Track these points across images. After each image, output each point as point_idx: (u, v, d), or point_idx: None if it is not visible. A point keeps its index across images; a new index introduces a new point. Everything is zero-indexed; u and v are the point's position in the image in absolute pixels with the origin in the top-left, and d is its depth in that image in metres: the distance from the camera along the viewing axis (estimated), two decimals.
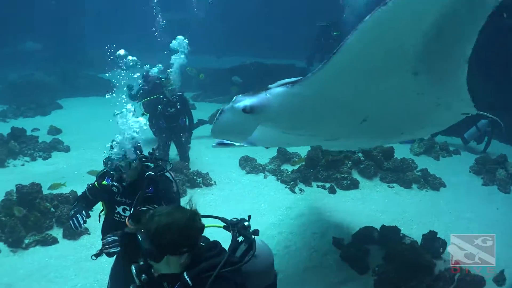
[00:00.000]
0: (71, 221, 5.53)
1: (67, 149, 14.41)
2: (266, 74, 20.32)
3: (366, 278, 7.56)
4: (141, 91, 13.89)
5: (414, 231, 8.67)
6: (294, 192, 11.09)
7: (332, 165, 11.69)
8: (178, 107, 12.25)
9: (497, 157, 12.81)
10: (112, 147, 5.36)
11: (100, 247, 5.59)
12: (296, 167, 12.23)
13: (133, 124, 5.49)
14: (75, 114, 19.52)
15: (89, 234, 8.95)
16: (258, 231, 3.74)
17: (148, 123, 13.26)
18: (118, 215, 5.56)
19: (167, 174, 5.75)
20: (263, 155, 13.01)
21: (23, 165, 13.10)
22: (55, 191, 10.10)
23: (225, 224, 3.75)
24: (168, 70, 13.78)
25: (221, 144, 6.19)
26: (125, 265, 4.32)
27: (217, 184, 11.66)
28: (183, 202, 9.60)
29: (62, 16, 31.05)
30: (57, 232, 9.02)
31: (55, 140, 14.68)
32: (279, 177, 11.88)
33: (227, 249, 3.47)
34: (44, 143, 14.22)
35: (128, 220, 3.94)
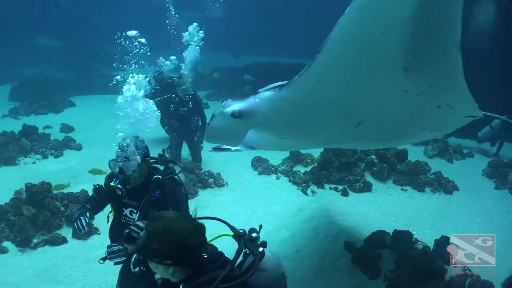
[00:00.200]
0: (75, 223, 5.49)
1: (79, 147, 14.41)
2: (283, 73, 20.34)
3: (377, 283, 7.45)
4: (153, 91, 13.82)
5: (426, 236, 8.56)
6: (306, 194, 10.98)
7: (345, 167, 11.59)
8: (191, 106, 12.17)
9: (509, 161, 12.78)
10: (118, 149, 5.28)
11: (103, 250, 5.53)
12: (308, 169, 12.13)
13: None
14: (88, 112, 19.54)
15: (99, 234, 8.88)
16: (266, 243, 3.67)
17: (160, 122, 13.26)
18: (125, 217, 5.47)
19: (176, 177, 5.66)
20: (276, 156, 12.92)
21: (34, 163, 13.09)
22: (65, 191, 10.01)
23: (233, 233, 3.71)
24: (182, 66, 13.69)
25: (217, 149, 6.11)
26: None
27: (229, 185, 11.58)
28: (194, 202, 9.66)
29: (79, 13, 31.15)
30: (66, 232, 8.96)
31: (67, 138, 14.69)
32: (292, 179, 11.78)
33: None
34: (56, 141, 14.23)
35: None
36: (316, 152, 12.46)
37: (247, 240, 3.62)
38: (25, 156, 13.25)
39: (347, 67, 4.33)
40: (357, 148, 10.95)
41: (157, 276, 3.42)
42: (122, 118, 5.32)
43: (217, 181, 11.54)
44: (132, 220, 5.34)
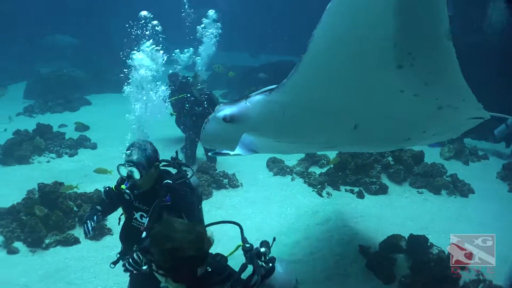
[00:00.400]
0: (83, 227, 5.43)
1: (93, 146, 14.42)
2: None
3: None
4: (170, 92, 13.77)
5: (442, 240, 8.36)
6: (321, 196, 10.87)
7: (361, 169, 11.46)
8: (206, 106, 12.09)
9: None
10: (127, 151, 5.21)
11: (120, 249, 5.56)
12: (324, 170, 12.02)
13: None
14: (104, 111, 19.54)
15: (112, 234, 8.84)
16: (275, 259, 3.60)
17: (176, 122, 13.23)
18: (135, 221, 5.40)
19: (188, 181, 5.57)
20: (291, 157, 12.85)
21: (48, 161, 13.10)
22: (75, 191, 9.94)
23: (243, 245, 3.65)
24: (197, 59, 13.65)
25: (217, 153, 6.06)
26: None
27: (243, 186, 11.49)
28: (208, 203, 9.61)
29: (97, 11, 31.19)
30: (79, 232, 8.89)
31: (82, 137, 14.70)
32: (307, 180, 11.68)
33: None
34: (71, 140, 14.23)
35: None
36: (332, 153, 12.32)
37: (253, 255, 3.53)
38: (39, 154, 13.26)
39: (334, 68, 4.23)
40: (360, 151, 10.87)
41: (162, 284, 3.37)
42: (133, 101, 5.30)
43: (231, 182, 11.46)
44: (142, 224, 5.25)
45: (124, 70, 5.49)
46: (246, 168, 12.29)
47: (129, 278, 5.60)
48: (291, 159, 12.73)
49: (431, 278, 7.04)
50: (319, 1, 4.01)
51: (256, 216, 9.83)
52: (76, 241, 8.71)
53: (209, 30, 13.84)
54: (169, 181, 5.21)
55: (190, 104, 12.16)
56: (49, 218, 8.86)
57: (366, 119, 4.99)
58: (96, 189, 10.04)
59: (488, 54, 15.54)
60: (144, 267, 3.48)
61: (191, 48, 14.82)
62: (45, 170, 12.47)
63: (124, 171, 5.14)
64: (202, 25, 13.81)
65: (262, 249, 3.56)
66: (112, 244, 8.48)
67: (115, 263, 5.40)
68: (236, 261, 3.85)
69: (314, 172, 12.00)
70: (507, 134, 14.43)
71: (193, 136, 12.43)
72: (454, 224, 9.31)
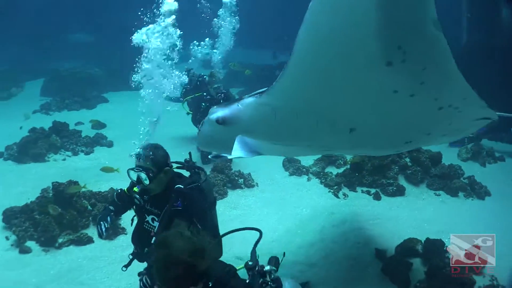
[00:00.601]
0: (96, 227, 5.40)
1: (110, 144, 14.40)
2: None
3: None
4: (184, 90, 13.70)
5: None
6: (337, 197, 10.77)
7: (378, 169, 11.33)
8: None
9: None
10: (136, 156, 5.14)
11: (131, 251, 5.59)
12: (341, 170, 11.92)
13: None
14: (121, 109, 19.49)
15: (126, 234, 8.82)
16: (279, 279, 3.52)
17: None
18: (147, 224, 5.35)
19: (201, 185, 5.48)
20: (308, 157, 12.66)
21: (64, 159, 13.11)
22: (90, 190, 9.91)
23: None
24: (215, 52, 13.59)
25: (216, 157, 6.02)
26: None
27: (259, 186, 11.41)
28: (223, 203, 9.55)
29: (114, 8, 31.18)
30: (93, 231, 8.84)
31: (98, 134, 14.66)
32: (323, 180, 11.59)
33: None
34: (87, 138, 14.21)
35: None
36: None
37: (256, 273, 3.46)
38: (55, 152, 13.27)
39: (321, 69, 4.15)
40: (363, 154, 10.79)
41: None
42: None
43: (247, 182, 11.39)
44: (153, 228, 5.21)
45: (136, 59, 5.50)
46: (262, 168, 12.18)
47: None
48: (308, 159, 12.59)
49: (446, 283, 6.95)
50: None
51: (271, 216, 9.77)
52: (89, 240, 8.70)
53: (226, 22, 13.79)
54: (180, 185, 5.14)
55: (207, 103, 12.10)
56: (62, 217, 8.85)
57: (362, 122, 4.91)
58: (111, 187, 10.03)
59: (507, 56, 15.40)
60: None
61: (207, 39, 14.75)
62: (60, 168, 12.48)
63: (134, 176, 5.08)
64: (218, 18, 13.76)
65: (267, 267, 3.47)
66: (126, 243, 8.41)
67: (127, 266, 5.38)
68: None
69: (331, 173, 11.92)
70: None
71: None
72: (470, 228, 9.14)
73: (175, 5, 5.89)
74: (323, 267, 7.86)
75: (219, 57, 13.73)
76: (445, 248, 7.87)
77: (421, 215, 9.77)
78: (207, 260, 3.21)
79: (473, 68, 16.21)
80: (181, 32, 5.82)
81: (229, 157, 5.75)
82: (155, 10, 5.91)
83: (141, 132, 5.41)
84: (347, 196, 10.81)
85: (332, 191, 11.02)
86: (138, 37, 5.49)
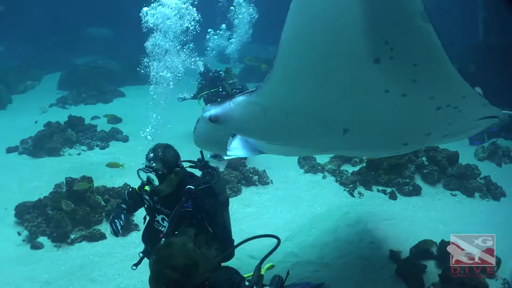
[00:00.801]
0: (110, 227, 5.39)
1: (125, 139, 14.44)
2: None
3: None
4: (200, 85, 13.68)
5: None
6: (353, 195, 10.68)
7: (395, 168, 11.22)
8: None
9: None
10: (147, 157, 5.08)
11: (142, 248, 5.60)
12: (357, 168, 11.81)
13: None
14: (138, 103, 19.50)
15: (138, 230, 8.80)
16: None
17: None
18: (157, 223, 5.32)
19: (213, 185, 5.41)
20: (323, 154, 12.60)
21: (79, 154, 13.17)
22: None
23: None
24: (231, 41, 13.56)
25: (214, 156, 5.98)
26: None
27: (274, 183, 11.38)
28: (237, 200, 9.49)
29: (133, 2, 31.18)
30: (106, 227, 8.87)
31: (114, 129, 14.69)
32: (338, 179, 11.49)
33: None
34: (102, 132, 14.26)
35: None
36: None
37: None
38: (70, 147, 13.33)
39: (307, 69, 4.09)
40: (364, 156, 10.72)
41: None
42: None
43: (261, 179, 11.35)
44: (163, 227, 5.17)
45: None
46: (277, 165, 12.10)
47: None
48: (323, 156, 12.46)
49: (460, 287, 6.89)
50: None
51: (285, 215, 9.71)
52: (102, 236, 8.72)
53: (243, 13, 13.77)
54: (191, 186, 5.07)
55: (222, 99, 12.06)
56: (75, 213, 8.86)
57: (355, 123, 4.84)
58: (125, 183, 10.01)
59: None
60: None
61: (224, 25, 14.71)
62: (75, 162, 12.52)
63: (144, 176, 5.02)
64: (234, 8, 13.75)
65: None
66: (138, 240, 8.25)
67: (136, 264, 5.35)
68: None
69: (346, 171, 11.81)
70: None
71: None
72: (486, 230, 8.99)
73: None
74: (337, 267, 7.77)
75: (236, 48, 13.68)
76: None
77: (437, 216, 9.64)
78: (200, 275, 3.16)
79: (489, 68, 16.09)
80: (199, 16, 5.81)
81: (225, 158, 5.76)
82: None
83: (162, 127, 5.43)
84: (363, 195, 10.71)
85: (347, 189, 10.93)
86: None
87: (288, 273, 3.58)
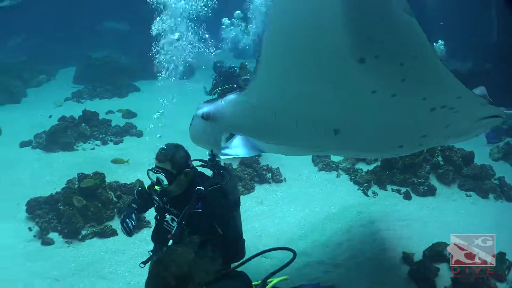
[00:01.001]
0: (121, 227, 5.35)
1: (139, 134, 14.46)
2: None
3: None
4: (214, 81, 13.62)
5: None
6: (367, 195, 10.60)
7: (410, 168, 11.13)
8: None
9: None
10: (157, 157, 5.02)
11: (152, 247, 5.55)
12: (371, 167, 11.71)
13: None
14: (153, 98, 19.48)
15: (150, 227, 8.75)
16: None
17: None
18: (167, 224, 5.24)
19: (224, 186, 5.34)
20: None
21: (93, 149, 13.21)
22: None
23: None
24: (248, 27, 13.50)
25: (213, 154, 5.97)
26: None
27: (287, 181, 11.33)
28: (249, 198, 9.44)
29: None
30: (117, 224, 8.76)
31: (128, 124, 14.70)
32: (353, 177, 11.40)
33: None
34: (117, 127, 14.32)
35: None
36: None
37: None
38: (84, 141, 13.36)
39: (290, 69, 4.05)
40: (361, 157, 10.68)
41: None
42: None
43: (275, 177, 11.30)
44: (172, 228, 5.08)
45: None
46: (290, 162, 12.03)
47: None
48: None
49: None
50: None
51: (298, 213, 9.65)
52: (113, 233, 8.71)
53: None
54: (201, 187, 5.00)
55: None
56: (87, 209, 8.84)
57: (345, 123, 4.81)
58: (138, 179, 10.00)
59: None
60: None
61: (239, 11, 14.64)
62: (89, 157, 12.53)
63: (153, 177, 4.96)
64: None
65: None
66: (150, 237, 8.37)
67: (145, 262, 5.30)
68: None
69: (361, 169, 11.73)
70: None
71: None
72: (500, 232, 8.83)
73: None
74: (349, 268, 7.70)
75: (251, 39, 13.61)
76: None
77: (451, 217, 9.53)
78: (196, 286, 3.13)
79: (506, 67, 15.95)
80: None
81: (222, 157, 5.75)
82: None
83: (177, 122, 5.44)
84: (377, 194, 10.62)
85: (361, 188, 10.86)
86: None
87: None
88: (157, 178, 4.94)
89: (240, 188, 10.32)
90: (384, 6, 3.44)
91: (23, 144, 13.42)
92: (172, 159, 4.94)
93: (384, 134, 5.00)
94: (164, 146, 5.08)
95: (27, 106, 19.12)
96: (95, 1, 29.65)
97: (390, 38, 3.63)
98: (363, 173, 11.46)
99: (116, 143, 13.69)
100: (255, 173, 11.18)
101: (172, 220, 5.15)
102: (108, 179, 9.74)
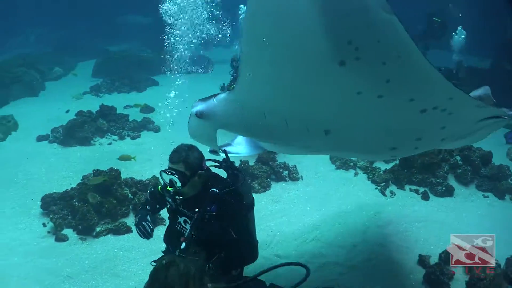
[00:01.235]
0: (137, 229, 5.23)
1: (157, 129, 14.49)
2: None
3: None
4: (232, 77, 13.55)
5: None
6: (384, 194, 10.50)
7: (428, 167, 11.01)
8: None
9: None
10: (170, 158, 4.97)
11: (164, 247, 5.50)
12: (389, 166, 11.59)
13: None
14: (171, 92, 19.48)
15: (165, 225, 8.64)
16: None
17: None
18: (179, 225, 5.18)
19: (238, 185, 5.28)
20: None
21: (110, 144, 13.24)
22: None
23: None
24: None
25: (213, 152, 5.99)
26: None
27: (304, 179, 11.22)
28: (266, 196, 9.38)
29: None
30: (132, 221, 8.78)
31: (146, 119, 14.70)
32: (370, 176, 11.29)
33: None
34: (134, 122, 14.31)
35: None
36: None
37: None
38: (101, 136, 13.37)
39: (271, 69, 4.01)
40: (359, 158, 10.73)
41: None
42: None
43: (291, 174, 11.21)
44: (185, 230, 5.02)
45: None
46: (308, 159, 11.93)
47: None
48: None
49: None
50: None
51: (314, 213, 9.58)
52: (128, 230, 8.71)
53: None
54: (215, 190, 4.95)
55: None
56: (102, 205, 8.84)
57: (335, 124, 4.77)
58: (153, 175, 9.97)
59: None
60: None
61: None
62: (105, 152, 12.54)
63: (166, 178, 4.90)
64: None
65: None
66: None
67: (156, 261, 5.26)
68: None
69: (379, 168, 11.60)
70: None
71: None
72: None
73: None
74: (364, 270, 7.61)
75: None
76: None
77: (469, 219, 9.42)
78: None
79: None
80: None
81: (221, 154, 5.74)
82: None
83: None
84: (395, 194, 10.52)
85: (379, 188, 10.76)
86: None
87: None
88: (170, 180, 4.88)
89: (256, 186, 10.31)
90: (360, 6, 3.37)
91: (40, 138, 13.47)
92: (185, 160, 4.88)
93: (374, 135, 4.94)
94: (177, 146, 5.03)
95: (45, 99, 19.19)
96: None
97: (369, 39, 3.56)
98: (381, 172, 11.35)
99: (133, 138, 13.71)
100: (272, 170, 11.12)
101: (185, 222, 5.09)
102: (124, 175, 9.75)
